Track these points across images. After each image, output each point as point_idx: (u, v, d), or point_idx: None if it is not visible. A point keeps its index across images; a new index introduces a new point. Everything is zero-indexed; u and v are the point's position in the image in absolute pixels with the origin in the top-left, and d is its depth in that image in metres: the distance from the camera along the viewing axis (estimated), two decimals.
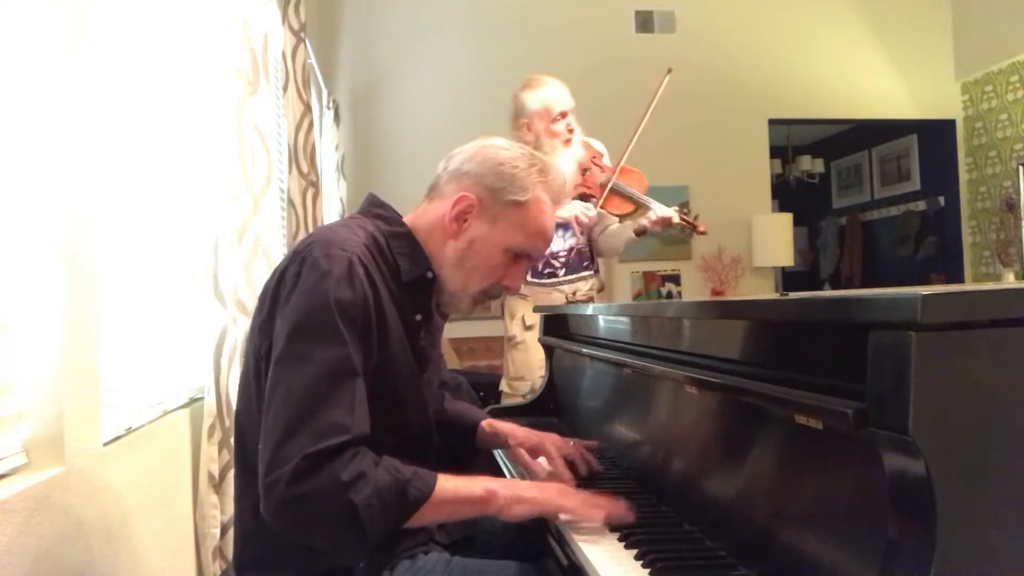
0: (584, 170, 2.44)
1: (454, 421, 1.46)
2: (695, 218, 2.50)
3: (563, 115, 2.38)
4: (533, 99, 2.37)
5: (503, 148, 1.18)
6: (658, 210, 2.40)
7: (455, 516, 1.07)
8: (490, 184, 1.14)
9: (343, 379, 0.97)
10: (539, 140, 2.38)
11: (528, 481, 1.15)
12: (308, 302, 0.99)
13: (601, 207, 2.47)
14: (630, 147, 2.47)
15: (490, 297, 1.22)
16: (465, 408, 1.50)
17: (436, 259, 1.16)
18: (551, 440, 1.39)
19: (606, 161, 2.49)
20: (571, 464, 1.35)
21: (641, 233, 2.48)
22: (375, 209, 1.20)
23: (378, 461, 0.97)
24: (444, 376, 1.46)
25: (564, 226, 2.39)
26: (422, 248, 1.16)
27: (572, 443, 1.40)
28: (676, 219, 2.42)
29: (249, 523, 1.08)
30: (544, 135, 2.38)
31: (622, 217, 2.50)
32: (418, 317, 1.17)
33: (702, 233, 2.52)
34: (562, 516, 1.08)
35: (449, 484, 1.01)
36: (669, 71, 2.41)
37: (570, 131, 2.39)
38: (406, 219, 1.20)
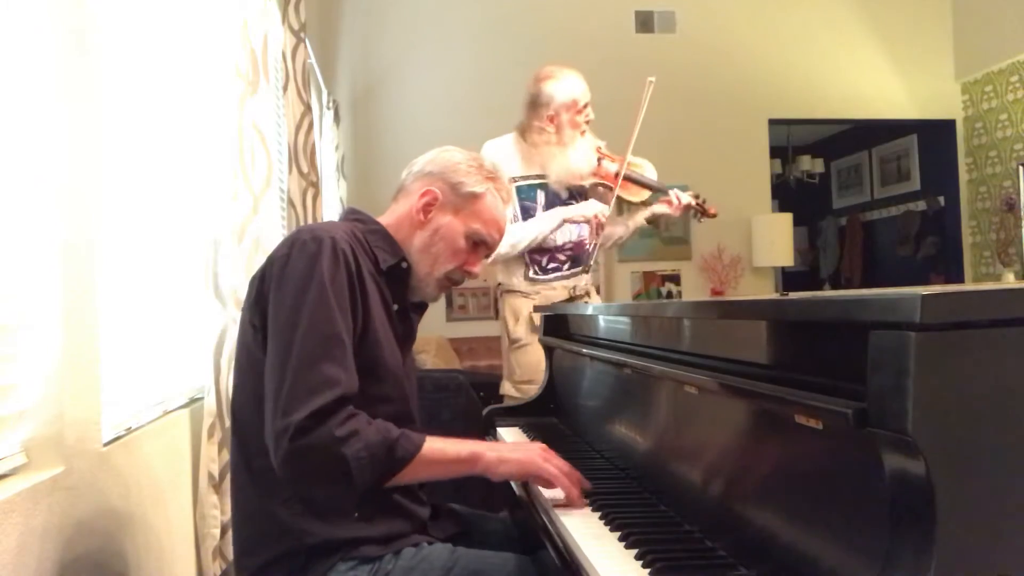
0: (598, 159, 2.46)
1: None
2: (703, 201, 2.54)
3: (585, 106, 2.42)
4: (561, 91, 2.38)
5: (459, 152, 1.35)
6: (675, 196, 2.46)
7: (445, 475, 1.16)
8: (450, 179, 1.30)
9: (332, 339, 1.08)
10: (561, 132, 2.40)
11: (512, 442, 1.22)
12: (298, 273, 1.11)
13: (618, 194, 2.49)
14: (630, 148, 2.47)
15: (454, 282, 1.34)
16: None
17: (407, 248, 1.30)
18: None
19: (607, 151, 2.51)
20: None
21: (653, 221, 2.54)
22: (351, 215, 1.35)
23: (371, 421, 1.08)
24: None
25: (582, 224, 2.41)
26: (395, 240, 1.29)
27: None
28: (693, 203, 2.49)
29: (245, 504, 1.18)
30: (567, 126, 2.40)
31: (638, 204, 2.54)
32: (396, 307, 1.28)
33: (713, 215, 2.53)
34: (543, 484, 1.18)
35: (437, 444, 1.12)
36: (651, 81, 2.42)
37: (587, 122, 2.43)
38: (379, 220, 1.33)
